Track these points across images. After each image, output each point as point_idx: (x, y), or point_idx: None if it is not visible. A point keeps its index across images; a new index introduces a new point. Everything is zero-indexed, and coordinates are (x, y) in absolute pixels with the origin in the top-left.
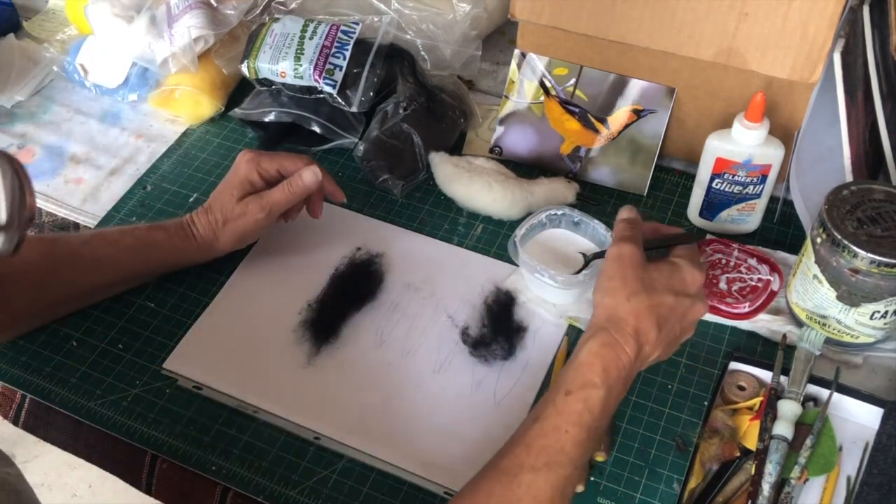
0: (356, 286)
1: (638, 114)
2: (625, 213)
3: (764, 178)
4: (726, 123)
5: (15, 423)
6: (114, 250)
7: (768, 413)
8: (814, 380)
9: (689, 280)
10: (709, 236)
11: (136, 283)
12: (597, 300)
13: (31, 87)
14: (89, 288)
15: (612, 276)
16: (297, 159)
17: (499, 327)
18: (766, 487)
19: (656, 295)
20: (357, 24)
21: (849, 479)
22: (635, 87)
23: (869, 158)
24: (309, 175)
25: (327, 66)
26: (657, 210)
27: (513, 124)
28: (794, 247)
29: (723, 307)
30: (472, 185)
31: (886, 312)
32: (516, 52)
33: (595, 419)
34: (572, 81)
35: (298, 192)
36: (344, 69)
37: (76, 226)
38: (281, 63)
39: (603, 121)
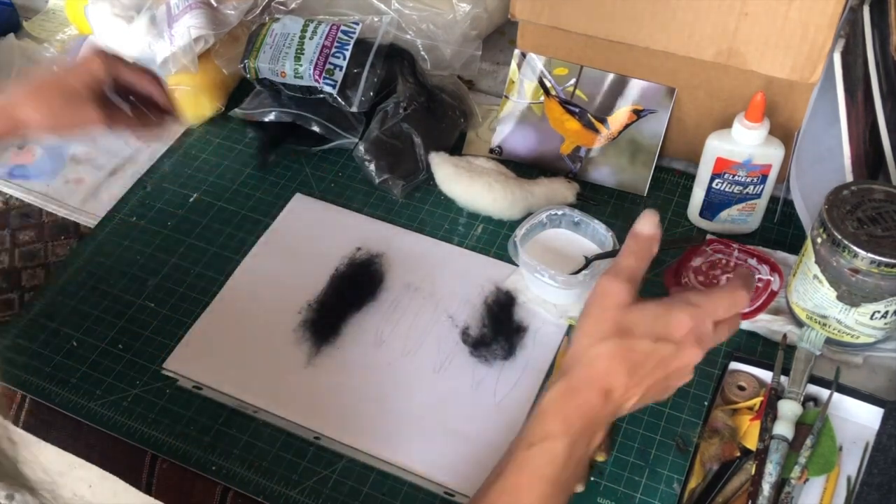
0: (356, 286)
1: (638, 114)
2: (644, 223)
3: (764, 178)
4: (726, 123)
5: (15, 423)
6: None
7: (768, 413)
8: (814, 380)
9: (675, 324)
10: (709, 236)
11: None
12: (573, 337)
13: None
14: None
15: (589, 313)
16: (142, 74)
17: (499, 327)
18: (766, 487)
19: (629, 340)
20: (357, 24)
21: (849, 479)
22: (635, 87)
23: (869, 158)
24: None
25: (327, 66)
26: (657, 210)
27: (513, 124)
28: (794, 247)
29: None
30: (472, 185)
31: (886, 312)
32: (516, 52)
33: (560, 470)
34: (572, 81)
35: (145, 139)
36: (344, 69)
37: (76, 226)
38: (281, 63)
39: (603, 121)
